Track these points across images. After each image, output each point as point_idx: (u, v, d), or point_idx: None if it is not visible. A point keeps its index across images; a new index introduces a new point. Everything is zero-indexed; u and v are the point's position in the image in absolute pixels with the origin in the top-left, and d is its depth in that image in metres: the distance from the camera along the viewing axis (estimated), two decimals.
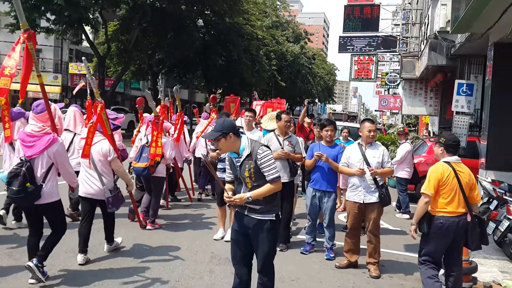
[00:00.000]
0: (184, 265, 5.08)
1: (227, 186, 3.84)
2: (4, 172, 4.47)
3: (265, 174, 3.58)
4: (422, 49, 15.48)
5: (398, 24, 31.05)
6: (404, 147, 8.66)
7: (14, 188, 4.08)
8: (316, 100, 61.62)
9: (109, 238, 5.36)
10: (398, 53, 21.14)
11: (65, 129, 6.29)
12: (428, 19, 13.94)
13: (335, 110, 46.55)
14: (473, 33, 8.44)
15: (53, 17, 21.54)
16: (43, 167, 4.24)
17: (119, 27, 26.29)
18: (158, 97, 7.77)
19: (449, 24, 10.66)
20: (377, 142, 5.54)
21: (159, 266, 5.02)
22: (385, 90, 36.17)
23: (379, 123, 53.41)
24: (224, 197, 3.65)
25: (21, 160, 4.21)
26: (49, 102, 4.48)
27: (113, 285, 4.43)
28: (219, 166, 6.21)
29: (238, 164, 3.65)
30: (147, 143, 6.49)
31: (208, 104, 9.96)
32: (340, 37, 20.23)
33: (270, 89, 42.51)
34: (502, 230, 5.88)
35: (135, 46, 24.92)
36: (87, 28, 24.42)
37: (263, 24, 40.33)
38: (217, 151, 5.80)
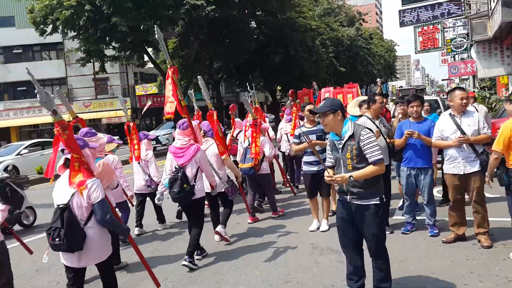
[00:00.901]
0: (288, 258, 5.19)
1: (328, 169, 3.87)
2: (165, 180, 5.29)
3: (367, 155, 3.59)
4: (492, 8, 14.55)
5: None
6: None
7: (175, 190, 5.02)
8: (378, 80, 59.93)
9: (225, 223, 6.14)
10: (464, 16, 20.01)
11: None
12: None
13: (401, 87, 44.79)
14: None
15: (117, 45, 22.76)
16: (192, 171, 5.19)
17: (178, 43, 27.17)
18: (225, 104, 8.09)
19: None
20: (470, 109, 5.31)
21: (264, 262, 5.16)
22: (451, 57, 34.39)
23: (446, 92, 50.83)
24: (325, 177, 3.69)
25: (176, 168, 5.17)
26: (190, 119, 5.48)
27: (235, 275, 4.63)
28: (305, 159, 6.30)
29: (340, 146, 3.70)
30: (249, 145, 6.96)
31: (288, 101, 10.12)
32: (399, 11, 19.58)
33: (330, 76, 41.95)
34: None
35: (195, 59, 25.68)
36: (149, 50, 25.57)
37: (315, 14, 39.93)
38: (304, 143, 5.97)
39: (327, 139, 5.82)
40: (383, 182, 3.85)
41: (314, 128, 6.20)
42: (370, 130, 3.74)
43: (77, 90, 36.07)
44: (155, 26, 6.51)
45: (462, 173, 5.05)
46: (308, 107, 6.37)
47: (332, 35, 40.92)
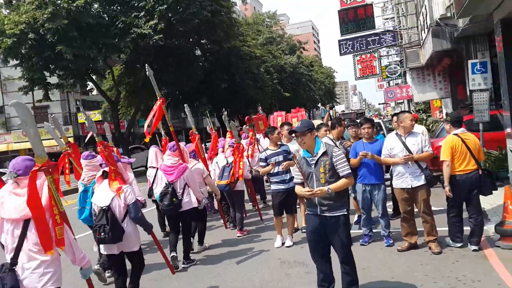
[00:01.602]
0: (260, 272, 5.49)
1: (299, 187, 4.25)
2: (156, 194, 6.16)
3: (339, 170, 4.05)
4: (424, 38, 15.92)
5: (388, 19, 31.73)
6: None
7: (165, 202, 5.84)
8: (319, 105, 62.24)
9: (201, 240, 6.87)
10: (398, 46, 21.59)
11: (150, 166, 7.26)
12: (425, 8, 14.41)
13: (343, 111, 47.00)
14: (476, 15, 8.86)
15: (61, 72, 22.30)
16: (181, 187, 6.01)
17: (124, 70, 27.01)
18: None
19: (449, 10, 11.14)
20: (415, 129, 5.93)
21: (237, 275, 5.45)
22: (386, 82, 36.62)
23: (383, 115, 53.66)
24: (304, 192, 4.07)
25: (166, 184, 5.95)
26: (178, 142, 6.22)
27: None
28: (273, 179, 6.66)
29: (313, 162, 4.12)
30: (227, 164, 7.51)
31: (245, 125, 10.53)
32: (339, 41, 20.74)
33: (274, 101, 43.10)
34: None
35: (142, 86, 25.61)
36: (94, 77, 25.24)
37: (258, 43, 41.15)
38: (271, 165, 6.38)
39: (290, 160, 6.36)
40: (348, 196, 4.29)
41: (279, 150, 6.65)
42: (339, 149, 4.20)
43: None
44: (146, 65, 7.00)
45: (410, 187, 5.62)
46: (286, 127, 7.18)
47: (275, 62, 42.24)
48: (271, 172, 6.56)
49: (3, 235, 3.30)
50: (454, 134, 5.64)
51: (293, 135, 4.32)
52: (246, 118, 10.32)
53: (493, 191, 5.68)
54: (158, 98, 6.55)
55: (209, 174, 7.24)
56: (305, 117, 12.77)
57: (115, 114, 26.17)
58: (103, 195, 4.55)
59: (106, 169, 4.69)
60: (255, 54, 34.90)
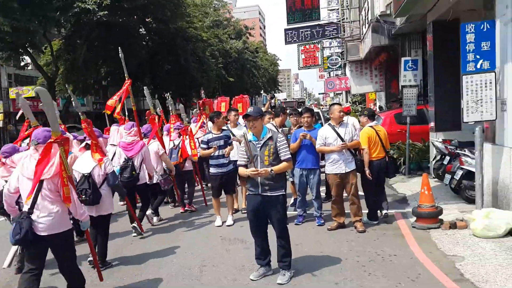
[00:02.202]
0: (202, 250, 5.84)
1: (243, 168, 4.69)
2: (117, 168, 6.52)
3: (281, 154, 4.52)
4: (364, 32, 16.75)
5: (333, 10, 32.70)
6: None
7: (126, 175, 6.42)
8: (262, 92, 63.05)
9: (157, 211, 7.49)
10: (341, 38, 22.44)
11: (111, 144, 7.47)
12: (367, 4, 15.18)
13: (285, 99, 47.97)
14: (412, 15, 9.62)
15: None
16: (138, 162, 6.62)
17: (64, 46, 25.99)
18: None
19: (389, 8, 11.90)
20: (346, 120, 6.50)
21: (181, 252, 5.79)
22: (327, 73, 37.81)
23: (323, 105, 55.37)
24: (249, 172, 4.49)
25: (125, 159, 6.56)
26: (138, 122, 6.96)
27: (147, 276, 5.15)
28: (212, 162, 7.01)
29: (259, 146, 4.56)
30: (174, 146, 7.94)
31: (195, 109, 10.76)
32: (285, 29, 21.21)
33: (218, 86, 43.20)
34: (457, 178, 7.02)
35: (83, 63, 24.83)
36: (31, 51, 24.11)
37: (204, 25, 40.84)
38: (213, 148, 6.73)
39: (229, 144, 6.76)
40: (286, 179, 4.77)
41: (221, 134, 7.00)
42: (283, 135, 4.65)
43: None
44: (119, 48, 7.47)
45: (343, 172, 6.19)
46: (233, 113, 7.74)
47: (221, 46, 42.22)
48: (212, 155, 6.91)
49: (22, 190, 4.05)
50: (369, 126, 6.56)
51: (245, 119, 4.71)
52: (203, 100, 10.63)
53: (395, 174, 7.46)
54: (127, 79, 7.37)
55: (165, 152, 7.60)
56: (249, 104, 13.17)
57: (51, 91, 25.14)
58: (85, 163, 5.29)
59: (89, 142, 5.37)
60: (201, 37, 34.69)
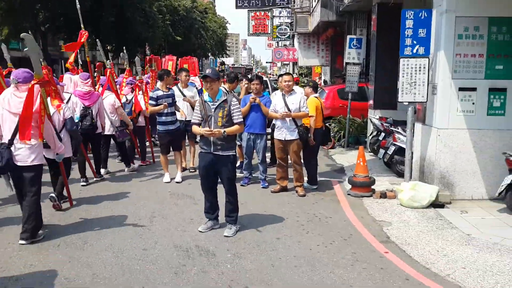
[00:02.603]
0: (151, 202, 6.10)
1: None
2: (76, 115, 6.83)
3: (234, 117, 4.82)
4: (314, 6, 17.09)
5: None
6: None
7: (87, 123, 6.81)
8: (210, 54, 62.26)
9: (127, 162, 7.99)
10: (291, 9, 22.66)
11: (65, 92, 7.26)
12: None
13: (233, 64, 47.76)
14: None
15: None
16: (95, 111, 6.96)
17: None
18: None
19: None
20: (296, 90, 6.86)
21: (132, 203, 6.04)
22: (276, 42, 38.02)
23: (270, 74, 55.84)
24: (203, 131, 4.75)
25: (84, 107, 6.85)
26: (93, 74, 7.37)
27: (99, 225, 5.35)
28: (161, 119, 7.20)
29: (214, 107, 4.82)
30: (127, 101, 8.13)
31: (147, 66, 10.75)
32: None
33: (164, 44, 42.14)
34: (390, 153, 7.68)
35: (20, 5, 23.21)
36: None
37: None
38: (163, 105, 6.90)
39: (175, 102, 7.02)
40: (235, 140, 5.12)
41: (168, 92, 7.23)
42: (237, 99, 4.92)
43: None
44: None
45: (283, 139, 6.60)
46: (184, 73, 8.01)
47: (168, 2, 40.94)
48: (161, 113, 7.11)
49: (4, 123, 4.55)
50: (314, 96, 7.07)
51: (201, 80, 4.95)
52: (150, 57, 10.64)
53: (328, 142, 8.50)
54: (83, 31, 7.74)
55: (121, 105, 7.72)
56: (197, 65, 13.22)
57: None
58: None
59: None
60: None
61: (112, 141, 7.95)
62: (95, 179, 7.32)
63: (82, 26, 7.77)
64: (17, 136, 4.48)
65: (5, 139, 4.52)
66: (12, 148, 4.48)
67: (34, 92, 4.56)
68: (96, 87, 8.04)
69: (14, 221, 5.29)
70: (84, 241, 4.74)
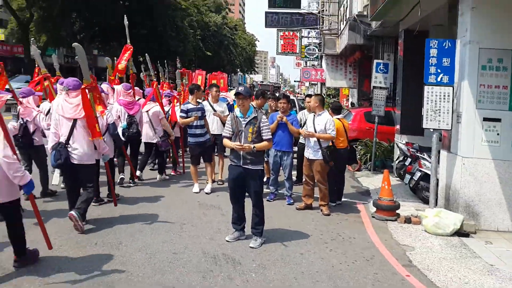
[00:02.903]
0: (182, 211, 6.36)
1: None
2: (123, 123, 7.49)
3: (263, 134, 5.11)
4: (342, 29, 17.34)
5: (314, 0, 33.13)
6: None
7: (133, 130, 7.41)
8: (238, 70, 63.16)
9: (161, 171, 8.36)
10: (319, 30, 22.97)
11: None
12: (347, 2, 15.72)
13: (262, 82, 48.23)
14: (386, 20, 10.26)
15: None
16: (137, 120, 7.54)
17: None
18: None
19: (366, 9, 12.49)
20: (325, 112, 7.02)
21: (163, 210, 6.33)
22: (304, 62, 38.37)
23: (298, 93, 56.06)
24: (233, 145, 5.04)
25: (129, 115, 7.45)
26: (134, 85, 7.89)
27: (133, 227, 5.61)
28: (191, 132, 7.51)
29: (244, 122, 5.11)
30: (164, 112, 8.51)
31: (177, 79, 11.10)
32: (266, 12, 21.51)
33: (194, 58, 43.03)
34: (416, 179, 7.74)
35: (59, 15, 24.21)
36: None
37: None
38: (193, 117, 7.23)
39: (204, 116, 7.53)
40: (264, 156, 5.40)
41: (198, 106, 7.58)
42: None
43: None
44: (124, 16, 8.26)
45: (308, 157, 6.81)
46: (215, 89, 8.27)
47: (200, 18, 41.97)
48: (191, 125, 7.42)
49: (61, 127, 5.22)
50: (336, 118, 7.16)
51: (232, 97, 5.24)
52: (180, 71, 10.96)
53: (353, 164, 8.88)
54: (129, 45, 8.31)
55: (165, 117, 8.16)
56: (227, 81, 13.55)
57: (24, 37, 24.46)
58: None
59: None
60: (180, 5, 34.40)
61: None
62: (129, 184, 7.73)
63: (128, 41, 8.27)
64: (72, 137, 5.16)
65: (62, 140, 5.20)
66: (69, 148, 5.16)
67: (86, 94, 5.17)
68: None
69: (56, 215, 5.73)
70: (119, 242, 5.02)
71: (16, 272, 4.14)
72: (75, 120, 5.19)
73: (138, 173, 8.09)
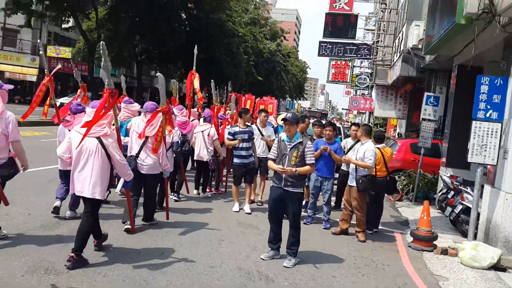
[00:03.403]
0: (221, 229, 6.62)
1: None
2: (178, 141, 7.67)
3: (306, 158, 5.31)
4: (395, 60, 17.37)
5: (369, 30, 33.23)
6: None
7: (186, 148, 7.85)
8: (287, 96, 63.86)
9: (204, 188, 8.81)
10: (372, 60, 23.04)
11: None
12: (402, 34, 15.82)
13: (310, 108, 48.66)
14: (440, 55, 10.30)
15: (47, 2, 22.19)
16: (190, 138, 8.06)
17: (108, 16, 27.01)
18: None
19: (421, 42, 12.54)
20: (369, 141, 7.14)
21: (202, 226, 6.63)
22: (354, 90, 38.37)
23: (345, 120, 55.85)
24: (277, 167, 5.31)
25: (183, 135, 7.81)
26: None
27: (174, 240, 5.95)
28: (237, 153, 7.83)
29: (290, 146, 5.36)
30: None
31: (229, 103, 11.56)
32: (320, 42, 21.90)
33: (246, 83, 44.10)
34: (457, 212, 7.68)
35: (125, 35, 25.83)
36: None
37: (242, 21, 41.73)
38: (238, 140, 7.59)
39: (253, 139, 7.64)
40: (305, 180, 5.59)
41: (246, 129, 7.90)
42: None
43: None
44: (195, 46, 9.14)
45: (349, 183, 6.96)
46: (263, 113, 8.74)
47: (255, 45, 43.12)
48: (236, 146, 7.76)
49: (133, 142, 6.06)
50: (377, 147, 7.17)
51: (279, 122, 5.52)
52: (231, 95, 11.52)
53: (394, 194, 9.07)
54: (194, 71, 9.13)
55: (218, 138, 8.55)
56: (276, 107, 13.90)
57: (91, 57, 26.22)
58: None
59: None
60: (238, 32, 35.59)
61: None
62: (173, 197, 8.11)
63: (194, 67, 9.09)
64: (142, 152, 5.93)
65: (134, 153, 5.99)
66: (138, 160, 5.92)
67: (157, 117, 5.91)
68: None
69: (113, 218, 6.30)
70: (161, 252, 5.35)
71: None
72: (146, 137, 5.95)
73: (195, 191, 8.67)
